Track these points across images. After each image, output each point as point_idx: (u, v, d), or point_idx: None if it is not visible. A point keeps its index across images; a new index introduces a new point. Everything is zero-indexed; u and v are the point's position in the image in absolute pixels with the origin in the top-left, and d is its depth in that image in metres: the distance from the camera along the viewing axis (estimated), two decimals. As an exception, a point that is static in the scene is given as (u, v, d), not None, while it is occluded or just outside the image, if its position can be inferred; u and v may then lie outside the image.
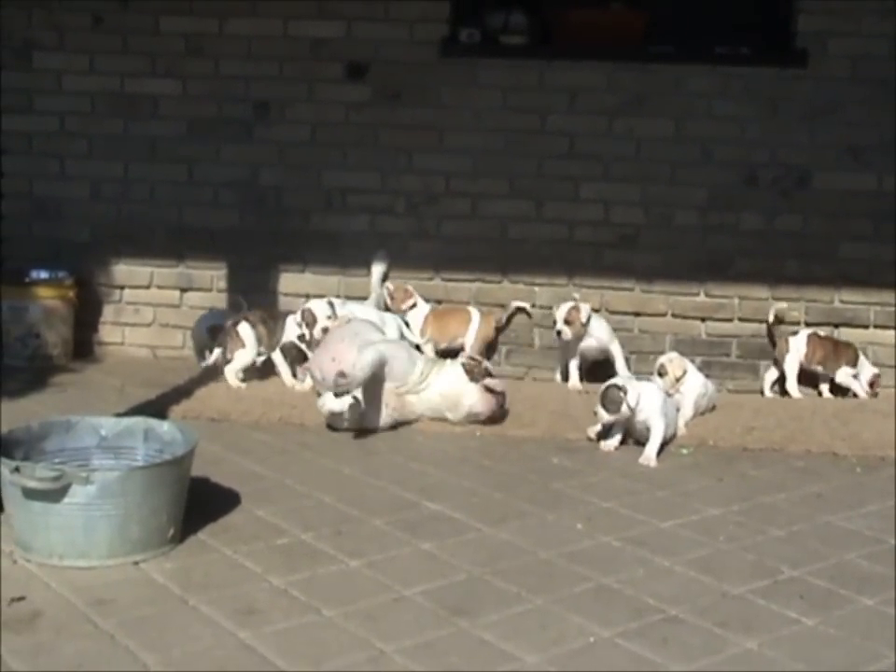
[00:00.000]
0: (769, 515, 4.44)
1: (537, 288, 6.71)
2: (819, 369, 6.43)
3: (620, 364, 6.33)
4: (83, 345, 6.82)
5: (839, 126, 6.45)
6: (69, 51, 6.75)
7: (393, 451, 5.16)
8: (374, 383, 5.40)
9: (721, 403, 6.02)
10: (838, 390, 6.48)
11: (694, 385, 5.73)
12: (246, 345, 6.06)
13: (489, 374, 5.61)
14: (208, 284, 6.84)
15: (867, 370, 6.42)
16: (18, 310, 6.49)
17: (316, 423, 5.40)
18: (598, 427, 5.31)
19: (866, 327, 6.58)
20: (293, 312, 6.21)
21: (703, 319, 6.67)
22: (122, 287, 6.91)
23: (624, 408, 5.09)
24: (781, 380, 6.49)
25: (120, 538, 3.71)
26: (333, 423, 5.37)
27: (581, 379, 6.36)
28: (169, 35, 6.70)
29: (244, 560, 3.80)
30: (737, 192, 6.55)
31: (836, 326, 6.59)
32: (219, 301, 6.76)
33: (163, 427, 4.21)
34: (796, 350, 6.39)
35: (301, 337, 6.07)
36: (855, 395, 6.42)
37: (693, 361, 6.32)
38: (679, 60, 6.53)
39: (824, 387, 6.51)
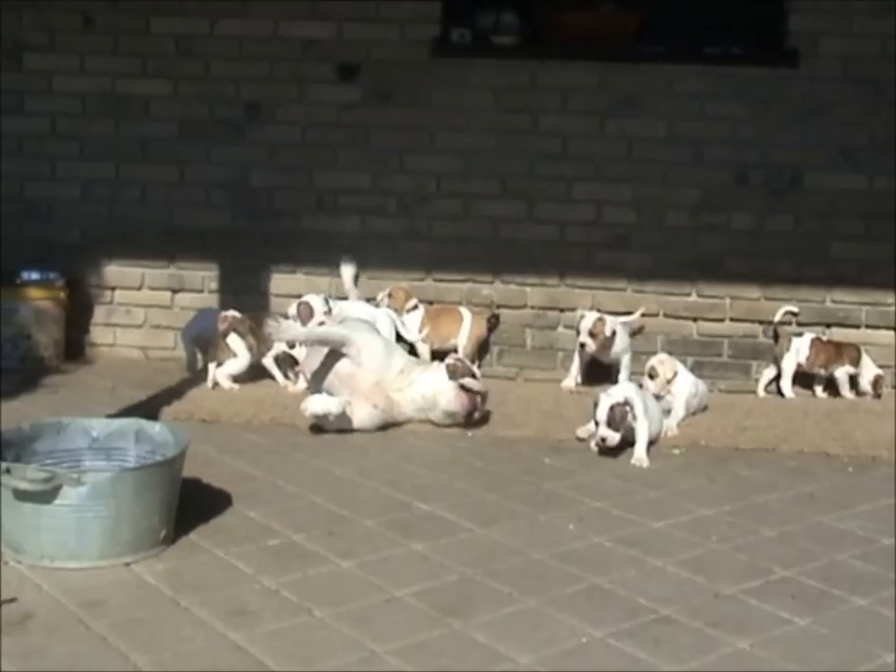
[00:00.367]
0: (761, 515, 4.44)
1: (528, 289, 6.71)
2: (822, 371, 6.43)
3: (624, 375, 6.32)
4: (74, 346, 6.81)
5: (830, 126, 6.46)
6: (60, 52, 6.74)
7: (384, 451, 5.15)
8: (341, 372, 5.47)
9: (713, 403, 6.02)
10: (832, 390, 6.48)
11: (685, 386, 5.73)
12: (238, 355, 6.05)
13: (472, 375, 5.60)
14: (200, 285, 6.83)
15: (870, 370, 6.42)
16: (9, 311, 6.47)
17: (308, 424, 5.39)
18: (592, 428, 5.29)
19: (858, 327, 6.59)
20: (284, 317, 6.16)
21: (694, 319, 6.68)
22: (114, 289, 6.90)
23: (629, 419, 5.08)
24: (777, 378, 6.49)
25: (112, 539, 3.70)
26: (320, 424, 5.35)
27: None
28: (159, 35, 6.70)
29: (235, 561, 3.79)
30: (729, 192, 6.56)
31: (828, 326, 6.60)
32: (211, 301, 6.75)
33: (155, 428, 4.20)
34: (796, 351, 6.38)
35: (292, 344, 6.06)
36: (858, 393, 6.42)
37: (684, 361, 6.35)
38: (671, 60, 6.54)
39: (818, 388, 6.51)
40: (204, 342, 6.22)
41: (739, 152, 6.53)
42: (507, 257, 6.69)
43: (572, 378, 6.41)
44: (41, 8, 6.71)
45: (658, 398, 5.52)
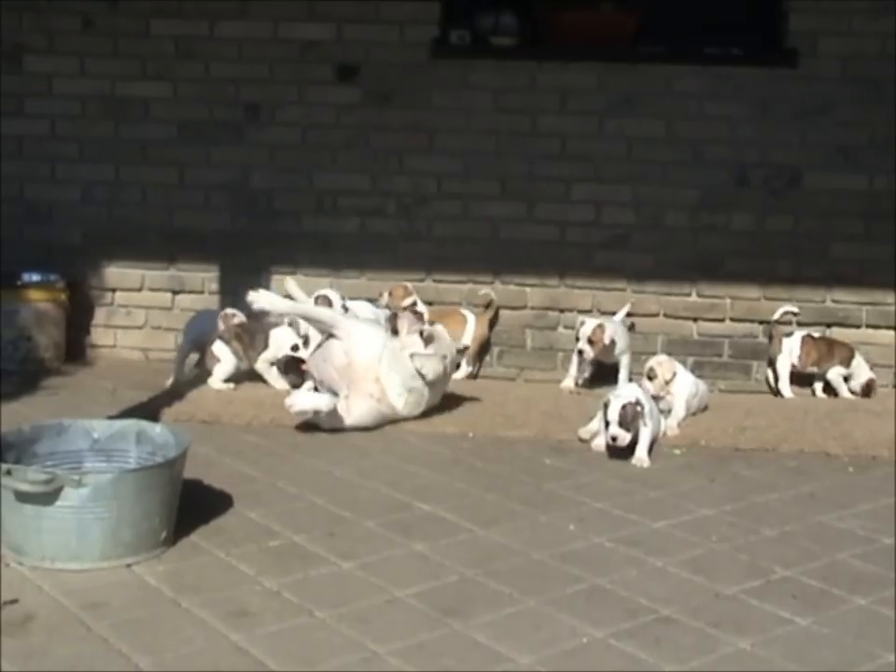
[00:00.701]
0: (762, 515, 4.44)
1: (528, 289, 6.71)
2: (815, 370, 6.44)
3: (624, 375, 6.33)
4: (75, 348, 6.81)
5: (830, 126, 6.46)
6: (59, 55, 6.76)
7: (385, 452, 5.16)
8: (338, 364, 5.52)
9: (713, 403, 6.02)
10: (831, 390, 6.48)
11: (685, 386, 5.72)
12: (222, 360, 6.05)
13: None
14: (200, 286, 6.84)
15: (863, 373, 6.42)
16: (9, 313, 6.48)
17: (308, 424, 5.39)
18: (593, 428, 5.30)
19: (858, 326, 6.60)
20: (278, 324, 6.12)
21: (694, 319, 6.68)
22: (114, 290, 6.91)
23: (647, 419, 5.08)
24: (774, 379, 6.51)
25: (113, 540, 3.70)
26: (313, 422, 5.34)
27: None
28: (159, 37, 6.71)
29: (236, 562, 3.79)
30: (728, 192, 6.57)
31: (828, 325, 6.61)
32: (211, 303, 6.75)
33: (156, 429, 4.20)
34: (789, 351, 6.40)
35: (295, 347, 6.05)
36: (853, 393, 6.43)
37: (684, 361, 6.36)
38: (670, 60, 6.54)
39: (818, 387, 6.52)
40: (203, 344, 6.22)
41: (739, 152, 6.53)
42: (506, 257, 6.69)
43: (571, 379, 6.41)
44: (41, 11, 6.72)
45: (657, 398, 5.52)
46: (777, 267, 6.59)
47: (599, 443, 5.23)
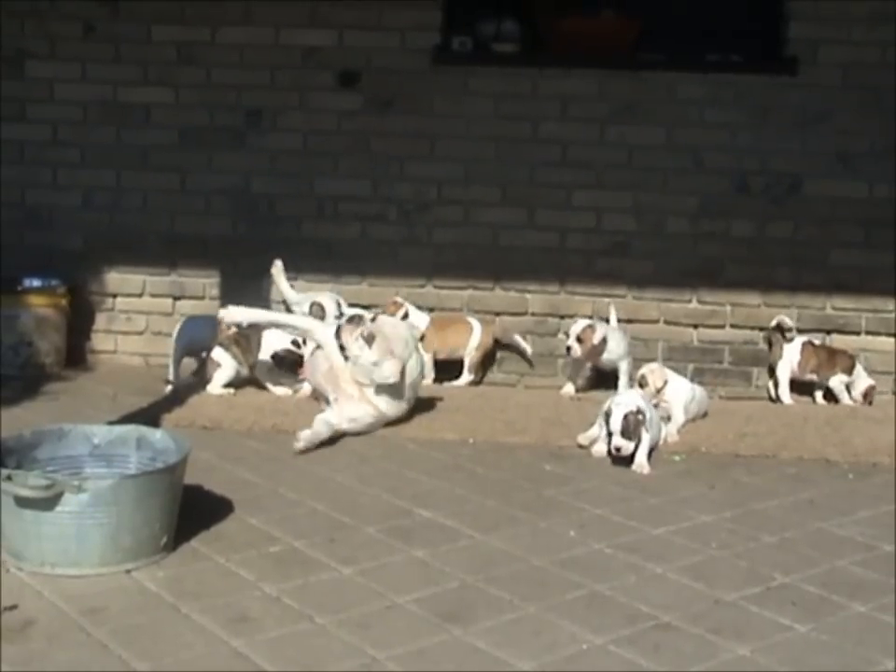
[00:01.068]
0: (761, 522, 4.44)
1: (529, 296, 6.72)
2: (814, 377, 6.44)
3: (623, 381, 6.33)
4: (75, 353, 6.81)
5: (830, 133, 6.47)
6: (61, 60, 6.76)
7: (385, 458, 5.16)
8: (322, 369, 5.59)
9: (713, 410, 6.02)
10: (832, 397, 6.49)
11: (680, 392, 5.71)
12: (222, 365, 6.06)
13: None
14: (201, 292, 6.85)
15: (862, 380, 6.42)
16: (10, 318, 6.48)
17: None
18: (586, 435, 5.32)
19: (858, 333, 6.60)
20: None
21: (695, 326, 6.69)
22: (115, 296, 6.91)
23: (644, 427, 5.08)
24: (775, 386, 6.51)
25: (113, 546, 3.71)
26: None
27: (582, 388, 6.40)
28: (161, 43, 6.71)
29: (236, 568, 3.80)
30: (729, 199, 6.57)
31: (828, 332, 6.61)
32: (212, 308, 6.74)
33: (156, 435, 4.20)
34: (789, 358, 6.40)
35: (296, 343, 6.06)
36: (853, 401, 6.43)
37: (685, 368, 6.38)
38: (671, 67, 6.55)
39: (818, 394, 6.52)
40: (197, 349, 6.21)
41: (739, 159, 6.54)
42: (507, 264, 6.70)
43: (571, 385, 6.41)
44: (43, 17, 6.72)
45: (655, 406, 5.52)
46: (777, 274, 6.60)
47: (599, 449, 5.24)
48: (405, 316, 6.46)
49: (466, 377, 6.56)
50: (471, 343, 6.51)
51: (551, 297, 6.71)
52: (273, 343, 6.10)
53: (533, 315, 6.73)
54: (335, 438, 5.34)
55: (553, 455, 5.26)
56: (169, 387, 6.16)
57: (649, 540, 4.21)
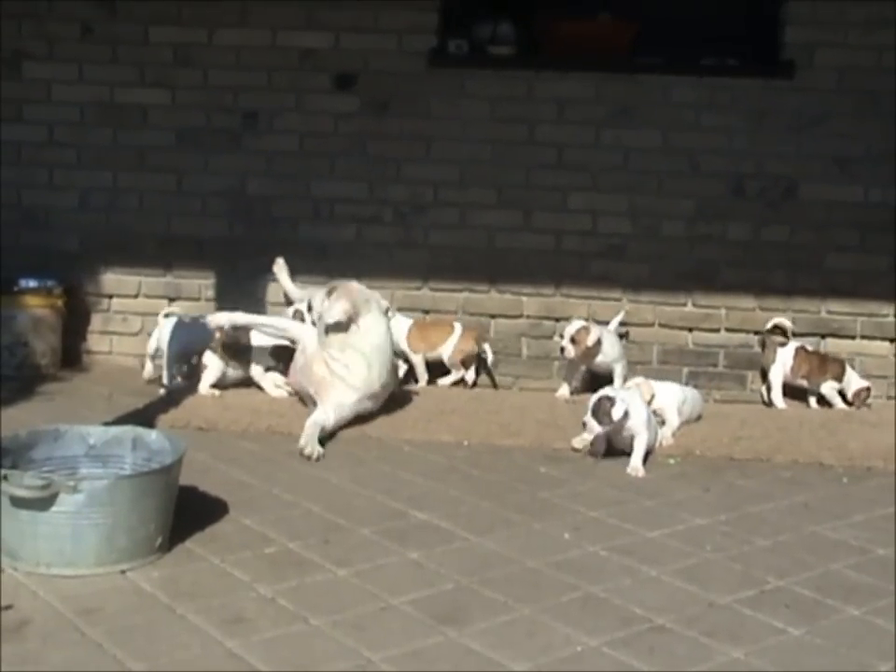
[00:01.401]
0: (756, 525, 4.45)
1: (524, 298, 6.72)
2: (804, 383, 6.45)
3: (618, 383, 6.33)
4: (71, 354, 6.81)
5: (826, 137, 6.48)
6: (59, 61, 6.76)
7: (380, 460, 5.16)
8: (299, 365, 5.76)
9: (708, 413, 6.03)
10: (826, 402, 6.49)
11: (671, 396, 5.70)
12: (209, 366, 6.07)
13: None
14: (196, 293, 6.85)
15: (854, 382, 6.42)
16: (6, 319, 6.47)
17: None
18: (586, 437, 5.32)
19: (853, 337, 6.61)
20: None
21: (690, 329, 6.69)
22: (111, 297, 6.91)
23: (616, 417, 5.09)
24: (767, 390, 6.52)
25: (108, 546, 3.71)
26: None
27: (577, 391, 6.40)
28: (158, 45, 6.71)
29: (231, 569, 3.80)
30: (724, 203, 6.58)
31: (823, 336, 6.62)
32: (208, 310, 6.75)
33: (151, 435, 4.21)
34: (782, 362, 6.40)
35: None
36: (848, 404, 6.43)
37: (679, 371, 6.41)
38: (667, 71, 6.56)
39: (812, 399, 6.53)
40: (191, 352, 6.20)
41: (735, 163, 6.55)
42: (503, 266, 6.71)
43: (566, 388, 6.42)
44: (40, 18, 6.72)
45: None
46: (773, 278, 6.60)
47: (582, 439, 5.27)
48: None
49: (452, 376, 6.60)
50: (450, 342, 6.52)
51: (546, 299, 6.72)
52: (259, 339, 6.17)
53: (528, 317, 6.74)
54: (331, 437, 5.35)
55: (547, 458, 5.27)
56: (162, 390, 6.16)
57: (643, 543, 4.22)
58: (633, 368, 6.48)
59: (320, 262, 6.71)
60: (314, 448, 5.11)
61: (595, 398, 5.20)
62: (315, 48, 6.64)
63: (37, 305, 6.56)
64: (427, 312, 6.72)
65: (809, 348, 6.49)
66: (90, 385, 6.38)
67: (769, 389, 6.49)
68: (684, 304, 6.67)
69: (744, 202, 6.58)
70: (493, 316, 6.75)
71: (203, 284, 6.84)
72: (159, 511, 3.84)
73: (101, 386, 6.31)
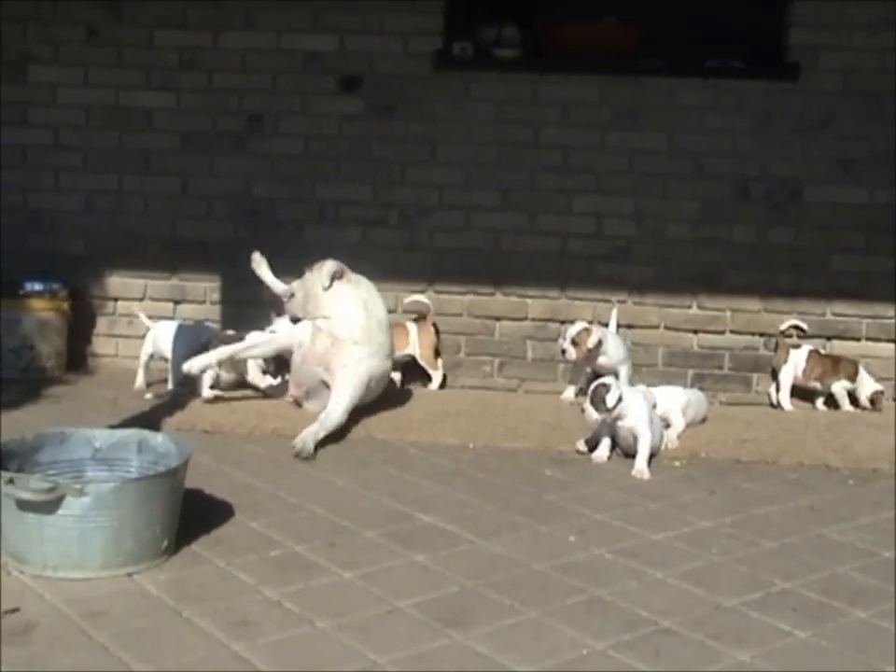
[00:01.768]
0: (762, 528, 4.45)
1: (529, 301, 6.73)
2: (817, 385, 6.44)
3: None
4: (77, 357, 6.83)
5: (831, 139, 6.48)
6: (64, 65, 6.77)
7: (386, 462, 5.16)
8: (296, 364, 5.77)
9: (714, 415, 6.03)
10: (833, 404, 6.49)
11: (674, 400, 5.69)
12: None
13: None
14: (202, 296, 6.85)
15: (867, 385, 6.41)
16: (12, 322, 6.49)
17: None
18: (585, 439, 5.33)
19: (858, 339, 6.60)
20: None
21: (695, 332, 6.69)
22: (116, 299, 6.92)
23: (610, 404, 5.09)
24: (777, 390, 6.51)
25: (114, 549, 3.71)
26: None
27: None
28: (163, 48, 6.72)
29: (237, 572, 3.80)
30: (729, 205, 6.58)
31: (829, 338, 6.62)
32: (213, 313, 6.77)
33: (157, 438, 4.21)
34: (794, 364, 6.40)
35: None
36: (860, 407, 6.43)
37: (685, 374, 6.41)
38: (672, 73, 6.55)
39: (819, 401, 6.52)
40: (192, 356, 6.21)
41: (740, 165, 6.55)
42: (508, 269, 6.71)
43: (572, 390, 6.42)
44: (46, 21, 6.73)
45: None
46: (778, 280, 6.60)
47: (599, 455, 5.25)
48: None
49: (435, 377, 6.64)
50: (412, 342, 6.55)
51: (551, 302, 6.72)
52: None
53: (533, 320, 6.74)
54: (337, 439, 5.35)
55: (553, 461, 5.27)
56: (167, 391, 6.18)
57: (649, 546, 4.22)
58: (638, 370, 6.48)
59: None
60: (304, 446, 5.13)
61: (593, 385, 5.24)
62: (320, 50, 6.65)
63: (43, 308, 6.57)
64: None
65: (822, 351, 6.48)
66: (95, 389, 6.39)
67: (778, 390, 6.48)
68: (689, 306, 6.67)
69: (749, 204, 6.57)
70: (498, 319, 6.75)
71: (209, 287, 6.84)
72: (165, 514, 3.84)
73: (106, 390, 6.32)
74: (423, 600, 3.62)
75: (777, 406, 6.47)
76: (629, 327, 6.65)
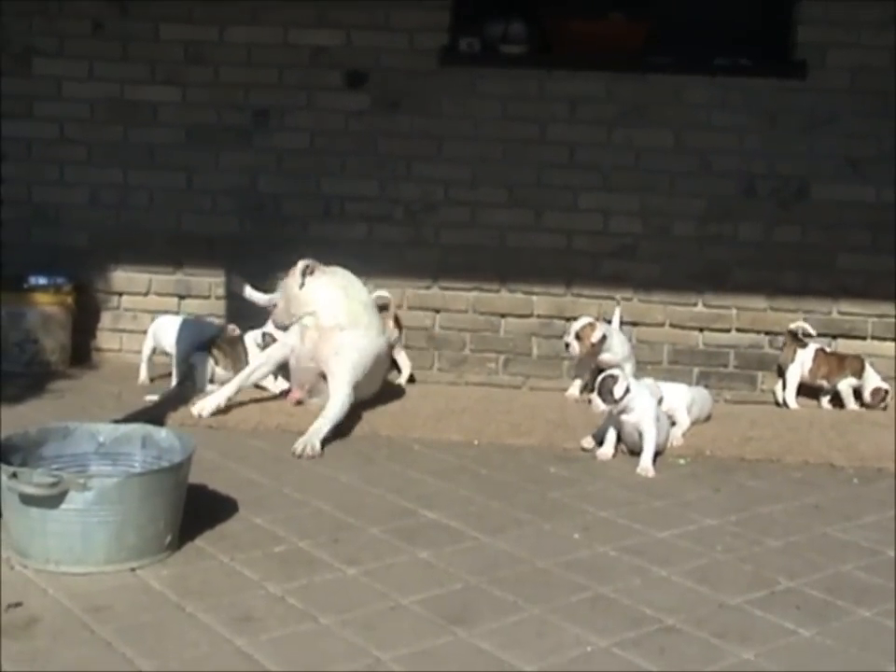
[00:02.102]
0: (766, 526, 4.44)
1: (535, 298, 6.72)
2: (824, 383, 6.44)
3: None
4: (81, 351, 6.82)
5: (838, 137, 6.46)
6: (69, 58, 6.77)
7: (390, 459, 5.16)
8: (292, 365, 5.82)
9: (719, 413, 6.02)
10: (838, 403, 6.48)
11: (680, 397, 5.68)
12: (199, 366, 6.11)
13: None
14: (206, 291, 6.85)
15: (871, 381, 6.41)
16: (16, 316, 6.49)
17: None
18: (590, 438, 5.34)
19: (864, 338, 6.60)
20: (251, 329, 6.29)
21: (700, 329, 6.68)
22: (120, 294, 6.92)
23: (617, 395, 5.09)
24: (782, 388, 6.49)
25: (118, 544, 3.71)
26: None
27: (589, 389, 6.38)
28: (169, 42, 6.72)
29: (241, 567, 3.79)
30: (736, 203, 6.57)
31: (834, 337, 6.61)
32: (218, 308, 6.77)
33: (161, 433, 4.20)
34: (801, 363, 6.39)
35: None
36: (863, 405, 6.42)
37: (690, 371, 6.41)
38: (679, 70, 6.55)
39: (824, 399, 6.52)
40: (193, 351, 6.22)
41: (747, 163, 6.54)
42: (513, 265, 6.70)
43: (577, 387, 6.41)
44: (51, 15, 6.73)
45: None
46: (784, 278, 6.59)
47: (604, 452, 5.24)
48: None
49: (404, 368, 6.67)
50: None
51: (557, 299, 6.71)
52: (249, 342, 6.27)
53: (539, 316, 6.73)
54: (341, 435, 5.35)
55: (557, 458, 5.26)
56: (173, 386, 6.18)
57: (653, 543, 4.21)
58: (643, 367, 6.46)
59: (330, 261, 6.67)
60: (307, 447, 5.11)
61: (601, 376, 5.24)
62: (326, 45, 6.64)
63: (47, 302, 6.57)
64: (437, 311, 6.71)
65: (828, 349, 6.47)
66: (99, 383, 6.39)
67: (784, 388, 6.46)
68: (695, 304, 6.66)
69: (755, 202, 6.56)
70: (503, 315, 6.74)
71: (214, 282, 6.84)
72: (168, 509, 3.83)
73: (110, 384, 6.32)
74: (427, 597, 3.61)
75: (783, 404, 6.46)
76: (634, 324, 6.64)
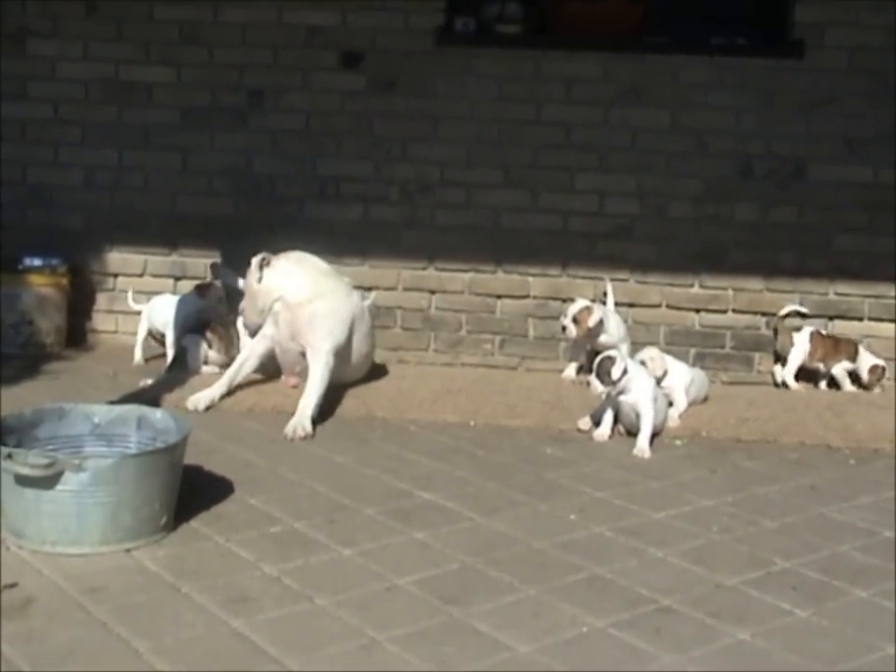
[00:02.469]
0: (762, 507, 4.44)
1: (531, 279, 6.70)
2: (820, 366, 6.44)
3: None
4: (76, 333, 6.81)
5: (835, 118, 6.44)
6: (63, 39, 6.73)
7: (386, 440, 5.15)
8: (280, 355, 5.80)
9: (715, 395, 6.01)
10: (835, 385, 6.48)
11: (680, 377, 5.68)
12: (191, 348, 6.10)
13: None
14: (202, 272, 6.82)
15: (866, 360, 6.40)
16: (11, 297, 6.48)
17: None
18: (587, 419, 5.34)
19: (861, 319, 6.58)
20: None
21: (697, 310, 6.67)
22: (116, 275, 6.90)
23: (615, 376, 5.08)
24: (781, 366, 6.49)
25: (113, 525, 3.71)
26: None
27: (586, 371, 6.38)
28: (163, 22, 6.69)
29: (236, 548, 3.79)
30: (733, 183, 6.55)
31: (831, 318, 6.60)
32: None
33: (156, 414, 4.20)
34: (801, 346, 6.37)
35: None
36: (861, 387, 6.41)
37: (686, 353, 6.39)
38: (676, 50, 6.52)
39: (822, 383, 6.51)
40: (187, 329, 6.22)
41: (744, 143, 6.52)
42: (509, 246, 6.68)
43: (573, 368, 6.41)
44: (45, -6, 6.70)
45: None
46: (781, 259, 6.58)
47: (601, 433, 5.24)
48: None
49: None
50: None
51: (553, 280, 6.69)
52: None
53: (535, 298, 6.72)
54: (337, 416, 5.34)
55: (553, 439, 5.26)
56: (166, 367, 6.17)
57: (650, 524, 4.21)
58: (639, 349, 6.43)
59: (326, 242, 6.67)
60: (297, 430, 5.11)
61: (599, 357, 5.23)
62: (321, 25, 6.61)
63: (42, 284, 6.56)
64: (433, 292, 6.70)
65: (823, 332, 6.47)
66: (94, 364, 6.38)
67: (783, 367, 6.45)
68: (691, 285, 6.65)
69: (752, 182, 6.54)
70: (499, 297, 6.73)
71: (209, 263, 6.81)
72: (164, 490, 3.83)
73: (106, 365, 6.31)
74: (422, 577, 3.61)
75: (782, 385, 6.45)
76: (630, 305, 6.63)
